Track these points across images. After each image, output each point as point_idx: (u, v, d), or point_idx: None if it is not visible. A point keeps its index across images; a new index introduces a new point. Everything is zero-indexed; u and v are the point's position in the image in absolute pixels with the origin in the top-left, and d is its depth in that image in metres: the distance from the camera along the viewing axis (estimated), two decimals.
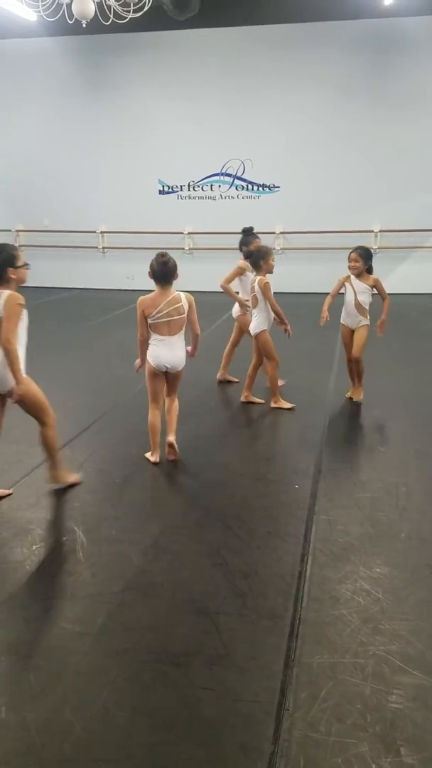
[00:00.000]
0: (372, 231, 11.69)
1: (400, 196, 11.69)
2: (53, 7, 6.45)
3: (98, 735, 2.09)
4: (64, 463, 4.26)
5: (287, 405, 5.38)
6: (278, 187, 12.31)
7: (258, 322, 5.32)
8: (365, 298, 5.40)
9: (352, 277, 5.43)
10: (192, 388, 5.94)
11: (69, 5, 6.45)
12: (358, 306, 5.38)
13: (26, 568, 3.04)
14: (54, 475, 3.86)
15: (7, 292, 3.62)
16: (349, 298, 5.44)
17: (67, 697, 2.25)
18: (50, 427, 3.80)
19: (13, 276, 3.65)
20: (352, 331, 5.47)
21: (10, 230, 13.27)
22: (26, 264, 3.73)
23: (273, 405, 5.39)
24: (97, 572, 3.00)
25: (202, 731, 2.10)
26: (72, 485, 3.91)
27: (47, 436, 3.79)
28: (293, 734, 2.08)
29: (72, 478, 3.95)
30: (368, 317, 5.42)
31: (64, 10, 6.52)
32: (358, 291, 5.39)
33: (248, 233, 5.88)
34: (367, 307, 5.41)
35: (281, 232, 12.22)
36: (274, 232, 12.21)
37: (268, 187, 12.32)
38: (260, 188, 12.36)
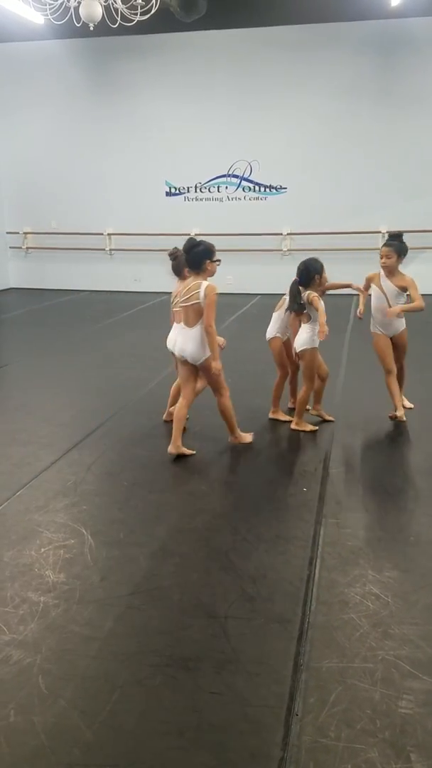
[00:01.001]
0: (379, 232, 11.66)
1: (407, 197, 11.66)
2: (61, 10, 6.46)
3: (107, 740, 2.09)
4: (73, 466, 4.27)
5: (310, 427, 4.91)
6: (285, 188, 12.29)
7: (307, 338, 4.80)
8: (399, 302, 4.84)
9: (383, 275, 4.86)
10: None
11: (76, 8, 6.46)
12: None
13: (34, 571, 3.04)
14: (236, 435, 4.60)
15: (205, 283, 4.23)
16: (380, 303, 4.87)
17: (75, 701, 2.24)
18: (225, 398, 4.48)
19: (208, 267, 4.29)
20: (390, 339, 4.98)
21: (18, 232, 13.33)
22: (218, 260, 4.36)
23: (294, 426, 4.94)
24: (105, 576, 3.00)
25: (211, 736, 2.09)
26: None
27: (223, 404, 4.50)
28: (302, 740, 2.07)
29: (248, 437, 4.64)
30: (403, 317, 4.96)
31: (71, 13, 6.53)
32: (390, 295, 4.82)
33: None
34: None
35: (288, 233, 12.21)
36: (281, 233, 12.21)
37: (275, 189, 12.31)
38: (267, 189, 12.35)
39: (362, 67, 11.44)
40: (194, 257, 4.29)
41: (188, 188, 12.63)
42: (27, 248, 13.43)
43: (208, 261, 4.27)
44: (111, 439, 4.79)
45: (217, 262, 4.34)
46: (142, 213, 12.63)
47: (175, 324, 4.51)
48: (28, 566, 3.08)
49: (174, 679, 2.34)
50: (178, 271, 4.76)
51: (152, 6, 6.57)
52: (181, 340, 4.38)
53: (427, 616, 2.68)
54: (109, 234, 12.94)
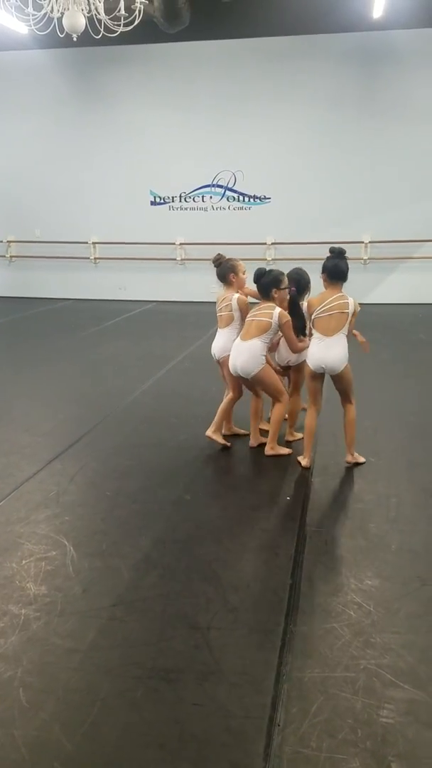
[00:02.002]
0: (362, 242, 11.76)
1: (389, 207, 11.77)
2: (44, 20, 6.47)
3: (88, 752, 2.08)
4: (55, 476, 4.25)
5: (285, 451, 4.68)
6: (269, 198, 12.37)
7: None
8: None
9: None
10: (181, 400, 5.95)
11: (60, 19, 6.47)
12: None
13: (15, 584, 3.02)
14: (273, 445, 4.62)
15: (278, 310, 4.43)
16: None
17: (57, 714, 2.23)
18: (282, 405, 4.59)
19: (275, 296, 4.49)
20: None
21: (1, 241, 13.30)
22: (286, 287, 4.54)
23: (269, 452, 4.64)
24: (87, 587, 2.98)
25: (193, 748, 2.09)
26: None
27: (277, 411, 4.60)
28: (284, 750, 2.07)
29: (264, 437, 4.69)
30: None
31: (54, 24, 6.54)
32: None
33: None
34: None
35: (272, 243, 12.27)
36: (265, 243, 12.27)
37: (259, 199, 12.38)
38: (251, 199, 12.42)
39: (345, 78, 11.56)
40: (262, 287, 4.52)
41: (173, 198, 12.67)
42: (11, 257, 13.40)
43: (275, 289, 4.48)
44: (94, 449, 4.78)
45: (286, 290, 4.55)
46: (127, 222, 12.65)
47: (219, 330, 4.81)
48: (9, 578, 3.06)
49: (156, 690, 2.33)
50: (222, 277, 4.84)
51: (135, 17, 6.60)
52: (234, 353, 4.53)
53: (409, 625, 2.70)
54: (93, 243, 12.94)
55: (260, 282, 4.53)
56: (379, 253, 11.78)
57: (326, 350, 4.26)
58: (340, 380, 4.35)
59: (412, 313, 10.91)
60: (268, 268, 4.63)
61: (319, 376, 4.38)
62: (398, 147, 11.62)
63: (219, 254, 4.95)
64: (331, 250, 4.40)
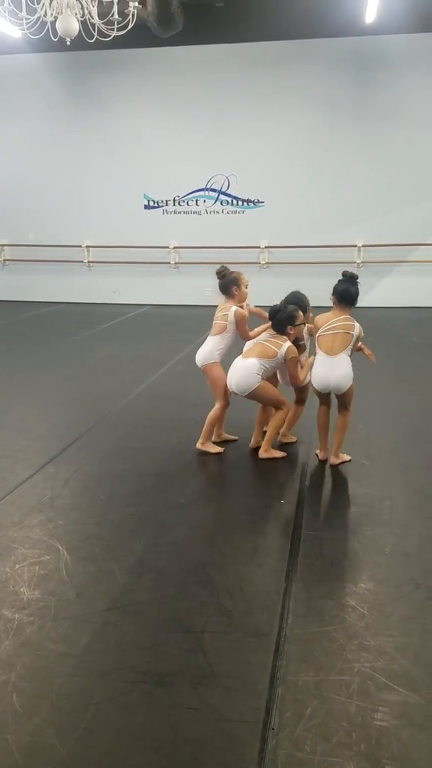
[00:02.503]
0: (355, 246, 11.80)
1: (382, 211, 11.83)
2: (37, 24, 6.48)
3: (82, 757, 2.07)
4: (49, 480, 4.24)
5: (279, 454, 4.69)
6: (263, 202, 12.40)
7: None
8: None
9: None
10: (175, 403, 5.95)
11: (53, 23, 6.49)
12: None
13: (9, 588, 3.01)
14: (267, 449, 4.64)
15: (287, 344, 4.49)
16: None
17: (50, 719, 2.22)
18: (284, 411, 4.64)
19: (290, 332, 4.55)
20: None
21: None
22: (302, 323, 4.62)
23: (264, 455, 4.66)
24: (81, 592, 2.98)
25: (187, 752, 2.08)
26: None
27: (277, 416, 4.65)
28: (278, 754, 2.06)
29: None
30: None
31: (48, 28, 6.55)
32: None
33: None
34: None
35: (266, 247, 12.30)
36: (259, 247, 12.30)
37: (253, 202, 12.42)
38: (245, 203, 12.46)
39: (338, 82, 11.62)
40: (278, 323, 4.55)
41: (167, 201, 12.69)
42: (4, 260, 13.39)
43: (290, 327, 4.53)
44: (88, 453, 4.77)
45: (301, 326, 4.62)
46: (121, 226, 12.66)
47: (209, 337, 4.77)
48: (2, 583, 3.05)
49: (150, 695, 2.33)
50: (224, 289, 4.80)
51: (129, 21, 6.62)
52: (232, 371, 4.57)
53: (403, 628, 2.70)
54: (87, 246, 12.94)
55: (276, 318, 4.55)
56: (373, 257, 11.82)
57: (331, 370, 4.32)
58: (344, 395, 4.44)
59: (406, 317, 10.95)
60: (282, 303, 4.64)
61: (325, 395, 4.50)
62: (391, 151, 11.68)
63: (223, 266, 4.88)
64: (344, 274, 4.49)
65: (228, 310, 4.70)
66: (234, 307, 4.69)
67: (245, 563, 3.24)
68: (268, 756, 2.05)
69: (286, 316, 4.52)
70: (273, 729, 2.16)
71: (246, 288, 4.82)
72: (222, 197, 12.51)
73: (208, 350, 4.74)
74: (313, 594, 2.95)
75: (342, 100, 11.68)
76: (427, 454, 4.69)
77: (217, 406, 4.75)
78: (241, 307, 4.75)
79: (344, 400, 4.48)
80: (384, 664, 2.47)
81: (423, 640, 2.62)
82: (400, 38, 11.11)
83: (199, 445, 4.74)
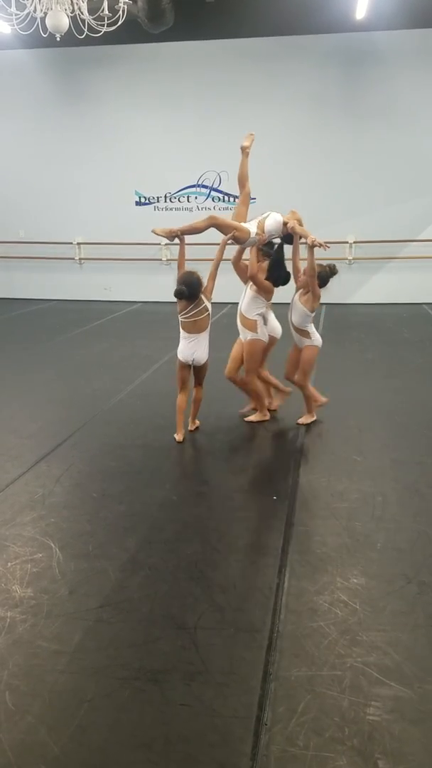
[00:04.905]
0: (347, 242, 11.81)
1: (374, 208, 11.83)
2: (27, 20, 6.44)
3: (75, 755, 2.07)
4: (41, 478, 4.23)
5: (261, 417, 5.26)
6: (254, 199, 12.28)
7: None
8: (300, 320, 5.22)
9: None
10: (167, 400, 5.94)
11: (43, 19, 6.45)
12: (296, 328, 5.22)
13: (1, 586, 3.00)
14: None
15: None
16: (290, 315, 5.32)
17: (43, 716, 2.22)
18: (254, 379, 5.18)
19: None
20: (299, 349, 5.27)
21: None
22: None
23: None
24: (73, 589, 2.97)
25: (180, 748, 2.09)
26: None
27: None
28: (271, 749, 2.07)
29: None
30: (311, 338, 5.22)
31: (38, 24, 6.51)
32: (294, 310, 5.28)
33: None
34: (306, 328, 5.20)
35: None
36: None
37: None
38: (236, 200, 12.40)
39: (329, 78, 11.60)
40: (194, 292, 5.07)
41: (158, 198, 12.65)
42: None
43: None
44: (80, 451, 4.76)
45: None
46: (112, 222, 12.61)
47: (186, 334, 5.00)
48: None
49: (143, 691, 2.33)
50: (194, 296, 5.07)
51: (119, 17, 6.59)
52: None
53: (394, 623, 2.71)
54: (78, 243, 12.89)
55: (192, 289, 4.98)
56: (364, 254, 11.83)
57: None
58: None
59: (397, 313, 10.97)
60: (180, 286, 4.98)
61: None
62: (382, 147, 11.68)
63: (184, 274, 5.19)
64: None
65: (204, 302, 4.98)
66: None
67: (238, 559, 3.25)
68: (261, 751, 2.06)
69: (195, 280, 5.09)
70: (266, 724, 2.17)
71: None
72: (213, 194, 12.48)
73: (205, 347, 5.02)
74: (305, 590, 2.96)
75: (333, 97, 11.67)
76: (418, 450, 4.71)
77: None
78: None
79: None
80: (376, 659, 2.48)
81: (415, 634, 2.63)
82: (391, 34, 11.11)
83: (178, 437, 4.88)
